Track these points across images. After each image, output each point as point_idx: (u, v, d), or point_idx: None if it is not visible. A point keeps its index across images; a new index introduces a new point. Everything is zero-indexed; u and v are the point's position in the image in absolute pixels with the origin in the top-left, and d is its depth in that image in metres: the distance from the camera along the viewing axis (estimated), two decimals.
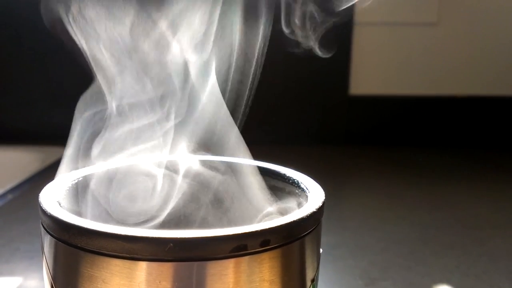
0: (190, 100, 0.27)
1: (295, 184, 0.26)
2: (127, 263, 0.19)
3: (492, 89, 1.01)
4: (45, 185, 0.24)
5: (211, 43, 0.27)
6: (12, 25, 0.95)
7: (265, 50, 0.28)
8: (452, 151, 0.98)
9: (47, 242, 0.22)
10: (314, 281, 0.23)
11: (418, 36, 0.98)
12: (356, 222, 0.64)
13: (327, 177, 0.80)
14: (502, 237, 0.59)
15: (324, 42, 0.31)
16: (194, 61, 0.27)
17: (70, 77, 0.94)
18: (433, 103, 1.01)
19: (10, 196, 0.70)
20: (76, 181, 0.25)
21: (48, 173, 0.79)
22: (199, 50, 0.27)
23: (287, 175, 0.27)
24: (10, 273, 0.49)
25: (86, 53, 0.26)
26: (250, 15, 0.28)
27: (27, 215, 0.63)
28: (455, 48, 0.99)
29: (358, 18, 0.96)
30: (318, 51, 0.31)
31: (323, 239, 0.24)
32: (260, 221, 0.25)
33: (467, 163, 0.92)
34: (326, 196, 0.24)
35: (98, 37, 0.26)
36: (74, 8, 0.26)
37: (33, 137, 0.95)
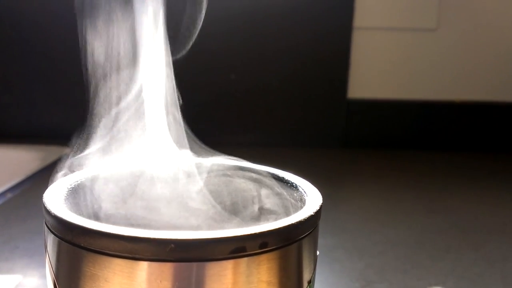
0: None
1: (293, 187, 0.27)
2: (129, 262, 0.19)
3: (490, 95, 1.01)
4: (45, 184, 0.24)
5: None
6: (15, 23, 0.95)
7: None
8: (450, 156, 0.98)
9: (51, 242, 0.22)
10: (310, 282, 0.24)
11: (417, 41, 0.99)
12: (353, 225, 0.64)
13: (325, 180, 0.80)
14: (498, 242, 0.60)
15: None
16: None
17: (71, 76, 0.94)
18: (431, 108, 1.02)
19: (9, 195, 0.70)
20: (79, 181, 0.25)
21: (48, 172, 0.79)
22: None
23: (286, 178, 0.28)
24: (10, 271, 0.49)
25: None
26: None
27: (26, 214, 0.63)
28: (454, 53, 1.00)
29: (357, 22, 0.97)
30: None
31: (321, 241, 0.25)
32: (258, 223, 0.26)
33: (464, 167, 0.93)
34: (324, 199, 0.25)
35: None
36: None
37: (34, 136, 0.96)
